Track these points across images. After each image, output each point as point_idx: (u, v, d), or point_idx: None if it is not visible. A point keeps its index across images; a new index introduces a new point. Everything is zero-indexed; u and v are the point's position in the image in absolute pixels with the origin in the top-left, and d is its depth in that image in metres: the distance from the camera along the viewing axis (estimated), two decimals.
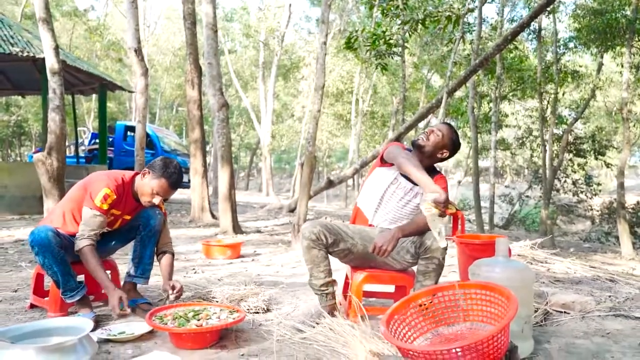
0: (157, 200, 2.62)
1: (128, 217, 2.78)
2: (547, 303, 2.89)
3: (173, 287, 2.63)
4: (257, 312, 2.79)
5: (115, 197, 2.56)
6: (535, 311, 2.75)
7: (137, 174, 2.73)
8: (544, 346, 2.30)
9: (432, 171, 2.74)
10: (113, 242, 2.85)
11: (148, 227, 2.79)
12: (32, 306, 2.81)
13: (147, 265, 2.84)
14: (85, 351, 1.87)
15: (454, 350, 1.64)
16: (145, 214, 2.80)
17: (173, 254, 2.90)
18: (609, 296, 3.20)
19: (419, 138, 2.68)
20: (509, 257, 2.32)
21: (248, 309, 2.78)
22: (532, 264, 4.29)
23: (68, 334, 1.97)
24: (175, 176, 2.64)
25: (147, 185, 2.61)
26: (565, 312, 2.81)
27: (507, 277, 2.12)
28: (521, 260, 4.43)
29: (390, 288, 3.13)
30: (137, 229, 2.80)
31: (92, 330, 2.12)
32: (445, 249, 2.47)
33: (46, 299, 2.74)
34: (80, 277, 2.73)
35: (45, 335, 2.03)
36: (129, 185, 2.68)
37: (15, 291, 3.25)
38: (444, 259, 2.48)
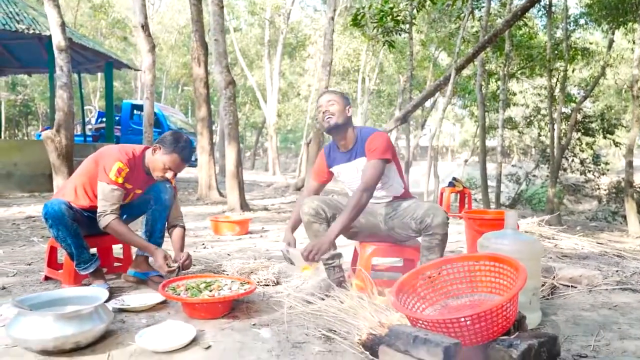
0: (169, 174, 2.64)
1: (139, 192, 2.80)
2: (554, 277, 2.91)
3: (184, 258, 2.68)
4: (267, 285, 2.84)
5: (128, 170, 2.59)
6: (543, 285, 2.77)
7: (146, 148, 2.75)
8: (551, 318, 2.33)
9: (363, 137, 2.65)
10: (125, 216, 2.89)
11: (159, 201, 2.82)
12: (46, 278, 2.87)
13: (158, 238, 2.88)
14: (101, 319, 1.91)
15: (462, 319, 1.66)
16: (156, 189, 2.82)
17: (184, 228, 2.93)
18: (616, 271, 3.22)
19: (324, 122, 2.65)
20: (517, 230, 2.33)
21: (258, 282, 2.83)
22: (539, 240, 4.30)
23: (84, 303, 2.02)
24: (187, 150, 2.65)
25: (159, 160, 2.63)
26: (572, 285, 2.84)
27: (516, 250, 2.14)
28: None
29: (399, 261, 3.16)
30: (148, 203, 2.83)
31: (106, 301, 2.16)
32: (447, 223, 2.48)
33: (60, 271, 2.80)
34: (93, 250, 2.77)
35: (62, 304, 2.08)
36: (140, 160, 2.70)
37: (29, 264, 3.31)
38: (446, 233, 2.49)
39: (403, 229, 2.61)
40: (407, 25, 10.95)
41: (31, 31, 9.00)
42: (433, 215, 2.45)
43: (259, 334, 2.04)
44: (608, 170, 16.85)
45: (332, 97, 2.65)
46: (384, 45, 9.87)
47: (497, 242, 2.24)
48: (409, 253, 2.76)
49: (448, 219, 2.50)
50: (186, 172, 14.69)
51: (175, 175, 2.72)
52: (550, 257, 3.62)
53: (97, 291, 2.16)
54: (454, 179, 7.16)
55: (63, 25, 6.36)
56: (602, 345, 1.98)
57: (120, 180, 2.56)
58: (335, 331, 2.05)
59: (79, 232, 2.56)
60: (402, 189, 2.75)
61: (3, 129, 30.75)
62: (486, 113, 14.63)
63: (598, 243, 4.26)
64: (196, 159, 9.18)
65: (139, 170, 2.70)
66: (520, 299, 2.10)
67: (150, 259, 2.90)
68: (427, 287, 2.08)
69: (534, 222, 4.78)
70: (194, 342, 1.92)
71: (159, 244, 2.90)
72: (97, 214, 2.54)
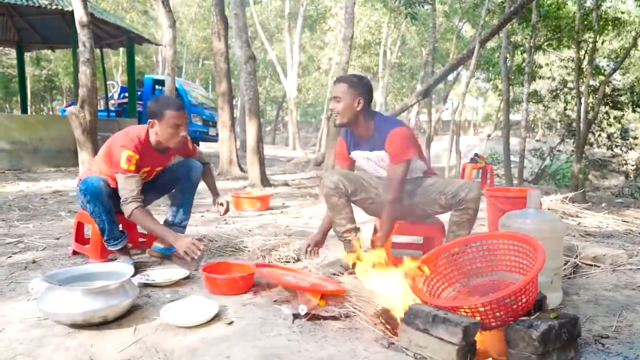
0: (183, 132, 2.66)
1: (160, 168, 2.84)
2: (577, 256, 2.88)
3: (221, 205, 2.94)
4: (288, 262, 2.87)
5: (137, 157, 2.59)
6: (565, 264, 2.75)
7: (144, 129, 2.72)
8: (573, 298, 2.32)
9: (384, 130, 2.55)
10: (154, 193, 2.97)
11: (189, 179, 2.90)
12: (74, 252, 2.95)
13: (185, 214, 2.96)
14: (127, 294, 1.97)
15: (477, 305, 1.66)
16: (186, 167, 2.89)
17: (209, 163, 3.10)
18: None
19: (334, 119, 2.64)
20: (540, 209, 2.31)
21: (279, 259, 2.87)
22: (562, 217, 4.24)
23: (111, 279, 2.08)
24: (172, 101, 2.67)
25: (164, 130, 2.62)
26: (595, 265, 2.81)
27: (537, 229, 2.12)
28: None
29: (419, 239, 3.16)
30: (178, 180, 2.89)
31: (132, 276, 2.22)
32: (480, 198, 2.47)
33: (87, 246, 2.88)
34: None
35: (90, 279, 2.15)
36: (147, 141, 2.69)
37: (58, 239, 3.41)
38: (477, 209, 2.48)
39: (428, 205, 2.61)
40: None
41: (53, 6, 9.04)
42: (468, 190, 2.45)
43: (280, 310, 2.08)
44: (636, 145, 16.37)
45: (338, 92, 2.54)
46: (406, 17, 9.66)
47: (518, 222, 2.22)
48: (429, 231, 2.76)
49: (481, 194, 2.50)
50: (207, 147, 14.81)
51: (185, 128, 2.70)
52: (574, 236, 3.57)
53: (124, 267, 2.22)
54: (476, 155, 7.07)
55: (85, 0, 6.36)
56: (624, 326, 1.96)
57: (132, 168, 2.57)
58: (355, 308, 2.08)
59: (113, 209, 2.63)
60: (423, 169, 2.74)
61: (29, 103, 31.33)
62: (511, 86, 14.29)
63: (623, 221, 4.18)
64: (217, 134, 9.21)
65: (149, 151, 2.70)
66: (542, 279, 2.09)
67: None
68: (447, 266, 2.08)
69: (558, 200, 4.72)
70: (216, 317, 1.97)
71: (186, 219, 2.98)
72: (121, 203, 2.56)
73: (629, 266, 2.75)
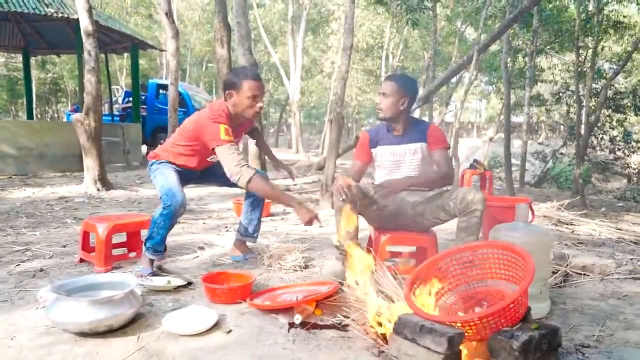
0: (260, 103, 2.70)
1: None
2: (567, 265, 2.96)
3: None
4: (297, 270, 2.97)
5: (230, 128, 2.64)
6: (555, 272, 2.83)
7: (224, 102, 2.76)
8: (560, 306, 2.40)
9: (420, 126, 2.83)
10: (216, 178, 3.06)
11: (254, 194, 3.01)
12: (81, 260, 3.06)
13: (255, 226, 3.18)
14: (132, 304, 2.07)
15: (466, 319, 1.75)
16: None
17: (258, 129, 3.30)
18: (631, 259, 3.24)
19: (377, 112, 2.80)
20: (528, 222, 2.39)
21: (281, 267, 2.97)
22: (556, 225, 4.32)
23: (117, 288, 2.18)
24: (249, 70, 2.75)
25: (241, 100, 2.66)
26: (584, 274, 2.89)
27: (524, 242, 2.19)
28: (546, 221, 4.48)
29: (412, 248, 3.24)
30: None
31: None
32: (484, 199, 2.57)
33: (93, 254, 2.98)
34: None
35: (96, 288, 2.25)
36: (229, 114, 2.72)
37: (64, 246, 3.52)
38: (483, 211, 2.57)
39: (434, 212, 2.70)
40: (431, 3, 10.77)
41: (59, 14, 9.20)
42: (474, 193, 2.57)
43: (277, 319, 2.17)
44: (639, 148, 16.38)
45: (387, 89, 2.73)
46: (407, 22, 9.75)
47: (508, 235, 2.30)
48: (422, 241, 2.85)
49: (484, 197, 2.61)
50: None
51: (262, 99, 2.75)
52: (566, 244, 3.65)
53: (128, 277, 2.32)
54: (475, 161, 7.13)
55: (90, 10, 6.49)
56: (606, 336, 2.04)
57: (231, 138, 2.61)
58: (348, 317, 2.17)
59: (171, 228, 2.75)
60: None
61: (34, 106, 31.57)
62: (513, 90, 14.35)
63: (617, 229, 4.25)
64: None
65: (231, 125, 2.73)
66: (531, 290, 2.17)
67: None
68: (441, 276, 2.15)
69: (554, 207, 4.79)
70: (216, 326, 2.06)
71: (257, 230, 3.20)
72: (232, 174, 2.56)
73: (616, 275, 2.83)
